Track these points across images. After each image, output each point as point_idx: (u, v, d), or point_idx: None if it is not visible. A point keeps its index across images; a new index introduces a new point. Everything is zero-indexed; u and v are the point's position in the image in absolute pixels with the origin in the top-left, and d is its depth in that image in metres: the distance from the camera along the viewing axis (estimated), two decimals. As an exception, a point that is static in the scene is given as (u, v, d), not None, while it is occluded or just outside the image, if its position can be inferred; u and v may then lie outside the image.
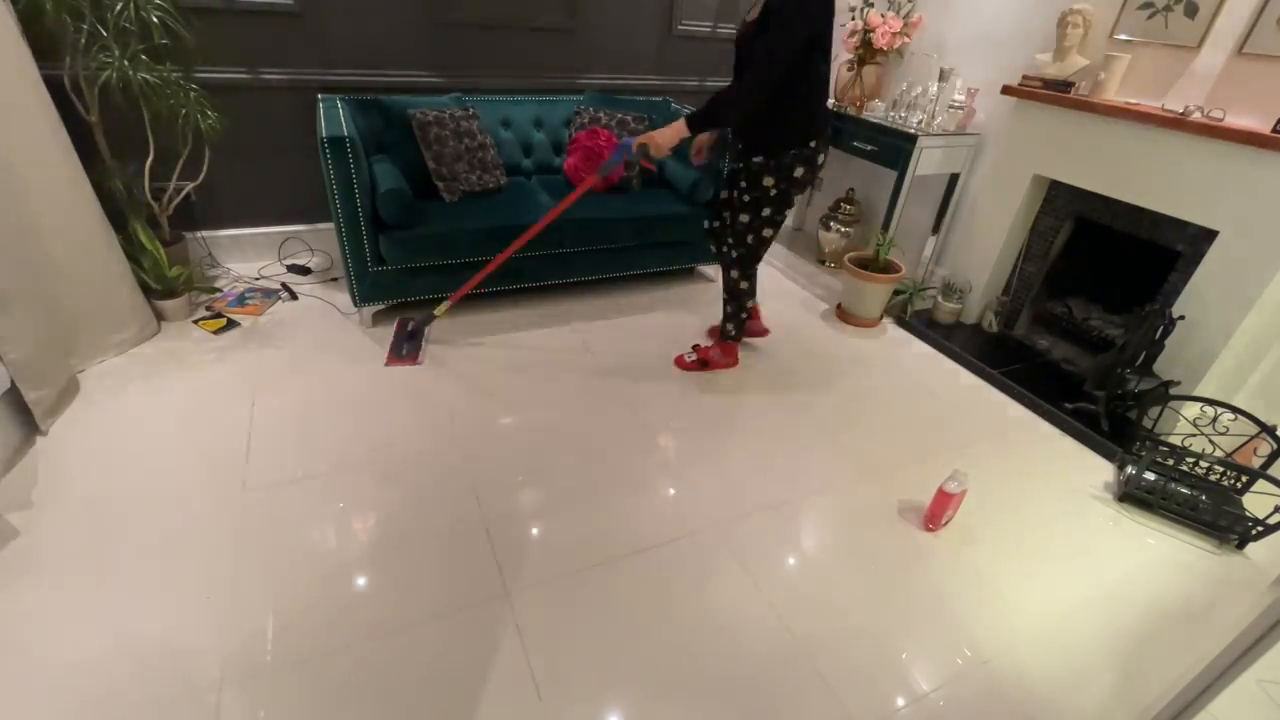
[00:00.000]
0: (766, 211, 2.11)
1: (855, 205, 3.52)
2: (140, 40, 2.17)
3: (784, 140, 1.99)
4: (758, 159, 2.04)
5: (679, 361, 2.49)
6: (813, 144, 2.00)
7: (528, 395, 2.24)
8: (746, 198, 2.11)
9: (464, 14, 2.81)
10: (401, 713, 1.27)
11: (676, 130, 1.94)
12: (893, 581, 1.68)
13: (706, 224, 2.47)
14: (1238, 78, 2.09)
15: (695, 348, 2.50)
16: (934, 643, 1.53)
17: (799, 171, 2.03)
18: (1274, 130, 1.92)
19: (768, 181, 2.04)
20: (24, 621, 1.36)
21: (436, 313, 2.39)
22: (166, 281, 2.38)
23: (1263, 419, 1.95)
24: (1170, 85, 2.26)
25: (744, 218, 2.16)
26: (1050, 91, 2.47)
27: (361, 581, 1.53)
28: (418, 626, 1.43)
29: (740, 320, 2.42)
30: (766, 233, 2.16)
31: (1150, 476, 2.02)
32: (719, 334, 2.50)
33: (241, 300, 2.62)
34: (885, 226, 2.96)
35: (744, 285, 2.32)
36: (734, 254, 2.27)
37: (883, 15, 3.00)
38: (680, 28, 3.28)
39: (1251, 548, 1.87)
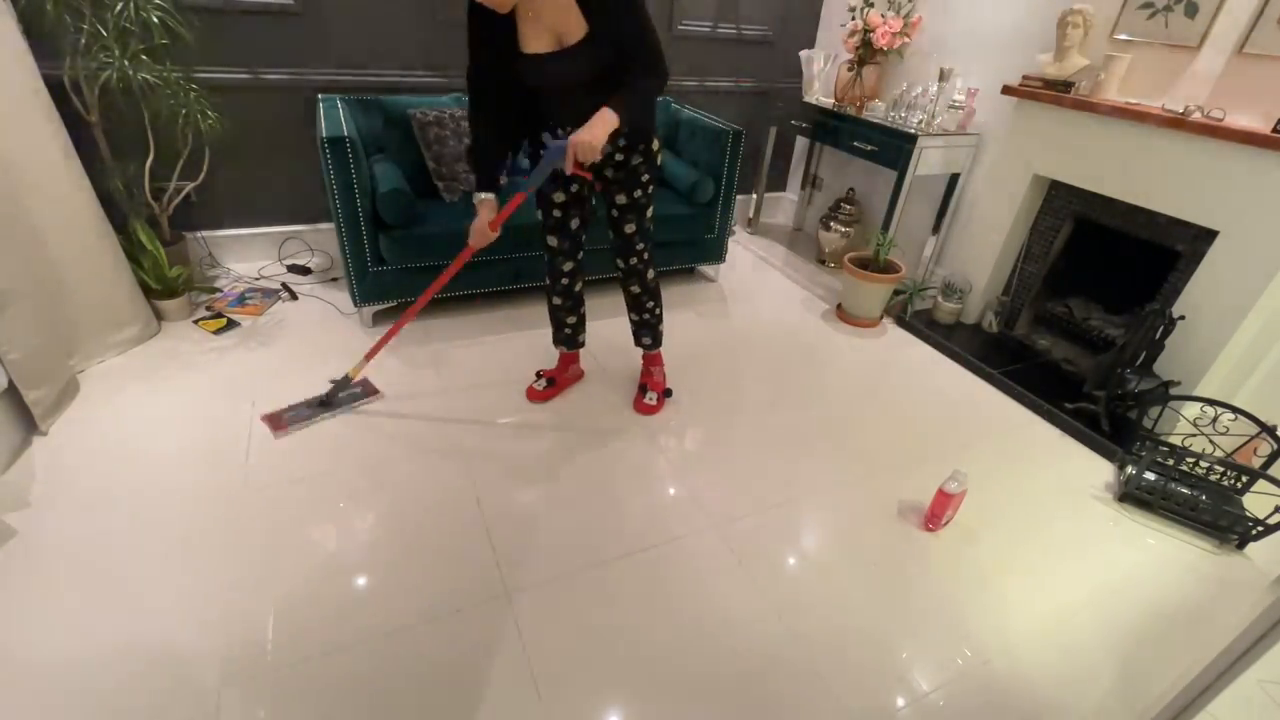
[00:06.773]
0: (651, 207, 1.93)
1: (855, 205, 3.52)
2: (140, 40, 2.17)
3: (651, 129, 1.81)
4: (637, 158, 1.80)
5: (646, 409, 2.20)
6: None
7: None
8: (638, 194, 1.86)
9: (464, 14, 2.80)
10: (402, 713, 1.27)
11: (605, 123, 1.56)
12: (893, 581, 1.68)
13: (558, 242, 1.99)
14: (1238, 78, 2.09)
15: (643, 388, 2.24)
16: (934, 643, 1.53)
17: (660, 159, 1.87)
18: (1274, 130, 1.92)
19: (646, 178, 1.85)
20: (22, 621, 1.36)
21: (350, 373, 2.07)
22: (166, 281, 2.38)
23: (1263, 419, 1.95)
24: (1170, 85, 2.26)
25: (633, 224, 1.91)
26: (1050, 91, 2.46)
27: (362, 581, 1.53)
28: (418, 626, 1.43)
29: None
30: (651, 215, 1.95)
31: (1150, 476, 2.02)
32: (655, 345, 2.22)
33: (241, 300, 2.62)
34: (885, 226, 2.96)
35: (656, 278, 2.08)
36: (646, 257, 2.00)
37: (883, 15, 3.00)
38: (680, 28, 3.28)
39: (1251, 548, 1.87)
